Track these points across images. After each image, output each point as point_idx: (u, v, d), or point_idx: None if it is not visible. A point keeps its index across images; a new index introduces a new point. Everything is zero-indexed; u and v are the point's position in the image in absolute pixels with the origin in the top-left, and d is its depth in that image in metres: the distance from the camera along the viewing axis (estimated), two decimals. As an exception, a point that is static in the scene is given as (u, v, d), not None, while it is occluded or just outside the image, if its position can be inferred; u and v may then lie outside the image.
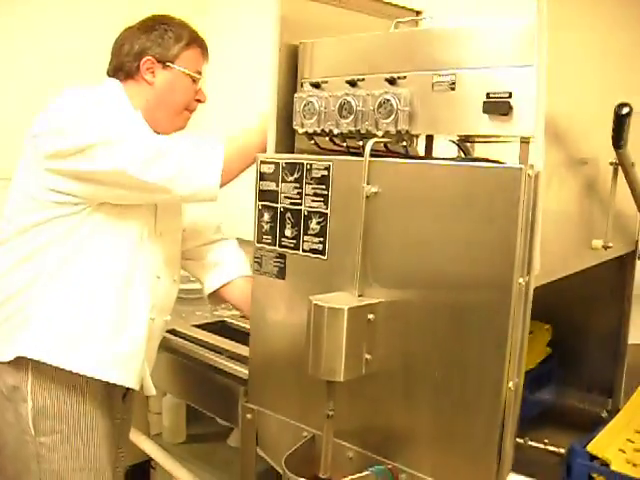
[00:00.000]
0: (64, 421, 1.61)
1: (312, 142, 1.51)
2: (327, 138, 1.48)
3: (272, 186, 1.51)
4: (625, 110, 1.23)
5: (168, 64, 1.68)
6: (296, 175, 1.46)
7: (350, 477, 1.30)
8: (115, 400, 1.77)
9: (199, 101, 1.76)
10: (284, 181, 1.48)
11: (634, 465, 1.19)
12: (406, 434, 1.32)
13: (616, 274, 1.68)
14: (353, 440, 1.39)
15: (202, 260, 1.94)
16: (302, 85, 1.54)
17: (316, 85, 1.49)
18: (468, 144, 1.60)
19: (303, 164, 1.45)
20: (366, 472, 1.32)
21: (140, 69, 1.67)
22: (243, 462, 1.66)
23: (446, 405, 1.25)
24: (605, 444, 1.25)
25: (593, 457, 1.22)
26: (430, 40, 1.34)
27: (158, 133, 1.63)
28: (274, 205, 1.51)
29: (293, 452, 1.41)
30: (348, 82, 1.43)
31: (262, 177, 1.53)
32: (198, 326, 2.16)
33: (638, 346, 1.66)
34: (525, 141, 1.22)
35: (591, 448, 1.23)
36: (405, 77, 1.34)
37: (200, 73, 1.74)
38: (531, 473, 1.24)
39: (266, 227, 1.53)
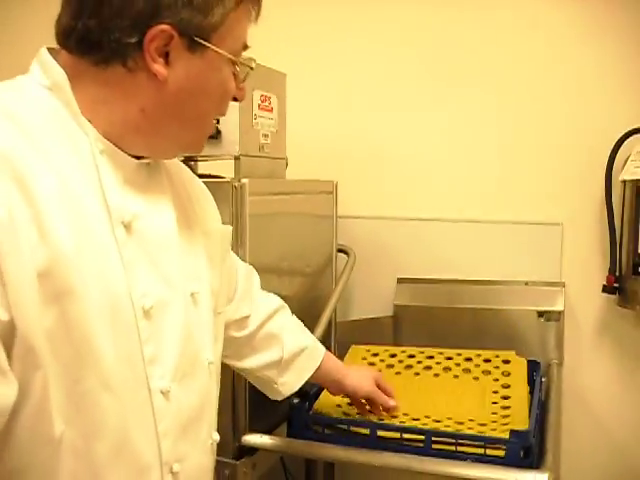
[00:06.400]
0: None
1: None
2: None
3: None
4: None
5: (200, 41, 0.84)
6: None
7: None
8: None
9: (235, 99, 0.96)
10: None
11: (347, 415, 1.47)
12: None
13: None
14: None
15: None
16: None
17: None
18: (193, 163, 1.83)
19: None
20: None
21: (144, 49, 0.82)
22: None
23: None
24: (325, 403, 1.51)
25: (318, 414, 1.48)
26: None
27: (139, 158, 0.90)
28: None
29: None
30: None
31: None
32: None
33: (344, 323, 2.01)
34: (237, 158, 1.49)
35: (316, 406, 1.49)
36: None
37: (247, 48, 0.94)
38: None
39: None
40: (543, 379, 1.72)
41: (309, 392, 1.58)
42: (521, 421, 1.39)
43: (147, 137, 0.88)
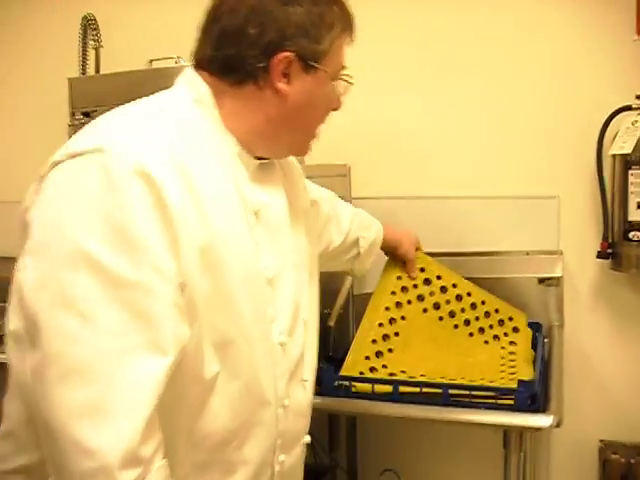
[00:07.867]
0: None
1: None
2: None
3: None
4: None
5: (313, 64, 1.06)
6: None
7: None
8: None
9: (334, 109, 1.17)
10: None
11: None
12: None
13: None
14: None
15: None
16: (73, 114, 1.83)
17: (87, 114, 1.79)
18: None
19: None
20: None
21: (271, 71, 1.03)
22: None
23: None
24: (350, 369, 1.61)
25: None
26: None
27: (260, 158, 1.12)
28: None
29: None
30: (115, 111, 1.75)
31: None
32: None
33: (360, 296, 2.09)
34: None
35: (342, 372, 1.60)
36: (163, 106, 1.69)
37: (345, 68, 1.15)
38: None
39: None
40: (545, 340, 1.88)
41: (335, 358, 1.73)
42: (527, 375, 1.54)
43: (268, 140, 1.10)
